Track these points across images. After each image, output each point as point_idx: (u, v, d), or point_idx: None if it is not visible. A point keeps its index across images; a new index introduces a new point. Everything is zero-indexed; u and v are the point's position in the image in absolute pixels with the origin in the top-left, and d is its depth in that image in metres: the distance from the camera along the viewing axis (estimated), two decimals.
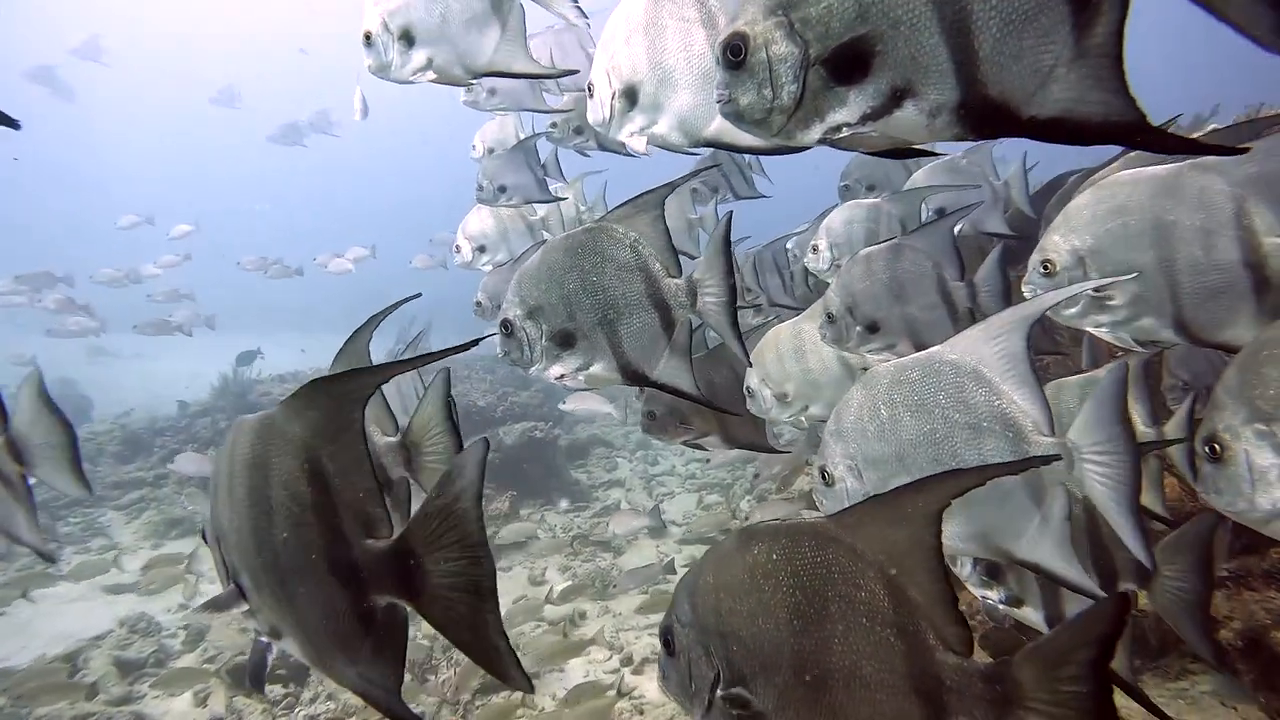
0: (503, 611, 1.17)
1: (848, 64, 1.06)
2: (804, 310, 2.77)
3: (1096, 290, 1.85)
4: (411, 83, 2.21)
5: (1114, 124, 1.00)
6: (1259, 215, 1.66)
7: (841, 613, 1.08)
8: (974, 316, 2.44)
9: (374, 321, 1.81)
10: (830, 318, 2.54)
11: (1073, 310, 1.91)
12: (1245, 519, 1.36)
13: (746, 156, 4.00)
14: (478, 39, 2.18)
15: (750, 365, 2.64)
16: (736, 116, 1.15)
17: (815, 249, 3.20)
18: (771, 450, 3.02)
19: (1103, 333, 1.90)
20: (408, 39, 2.14)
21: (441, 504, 1.13)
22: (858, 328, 2.50)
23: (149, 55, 41.36)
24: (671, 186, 1.98)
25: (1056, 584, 1.57)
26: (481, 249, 3.96)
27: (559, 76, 2.49)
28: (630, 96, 1.91)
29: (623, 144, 1.98)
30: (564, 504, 8.21)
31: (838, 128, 1.10)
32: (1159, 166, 1.78)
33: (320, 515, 1.15)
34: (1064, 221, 1.91)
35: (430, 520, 1.13)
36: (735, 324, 2.00)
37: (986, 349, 1.52)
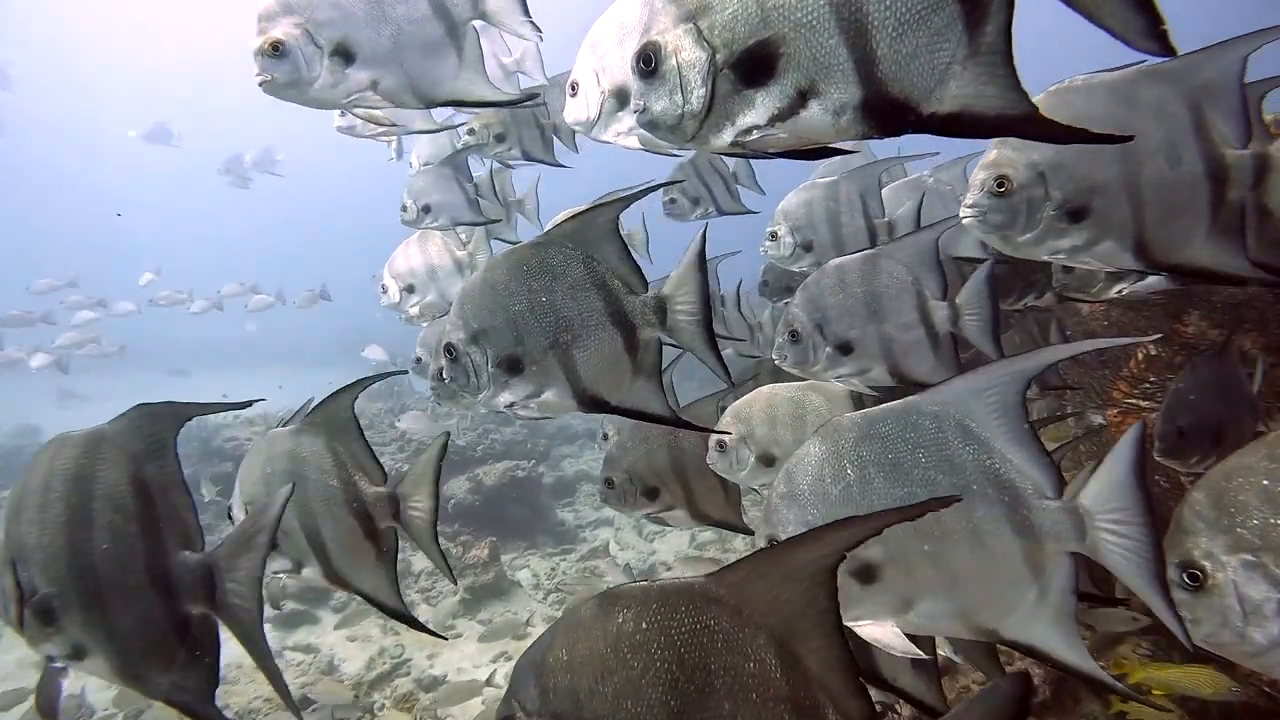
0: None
1: (753, 67, 1.11)
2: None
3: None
4: (343, 107, 2.06)
5: (1008, 117, 1.05)
6: (1215, 126, 1.58)
7: (727, 688, 0.94)
8: (955, 343, 2.30)
9: (361, 385, 2.05)
10: (794, 336, 2.30)
11: (1028, 236, 1.74)
12: (1229, 652, 1.30)
13: (732, 168, 3.83)
14: (434, 65, 2.05)
15: (727, 406, 2.47)
16: (651, 124, 1.20)
17: (774, 236, 2.97)
18: (744, 530, 2.67)
19: (1060, 259, 1.77)
20: (344, 56, 1.94)
21: (247, 532, 1.35)
22: (827, 348, 2.28)
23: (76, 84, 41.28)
24: (626, 201, 1.86)
25: (1056, 670, 1.43)
26: (410, 289, 3.66)
27: (525, 104, 2.43)
28: (621, 97, 1.88)
29: (574, 149, 2.01)
30: (548, 547, 7.97)
31: (748, 130, 1.15)
32: (1108, 73, 1.64)
33: (143, 526, 1.28)
34: None
35: (237, 544, 1.35)
36: (713, 342, 1.86)
37: (975, 402, 1.37)
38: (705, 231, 1.90)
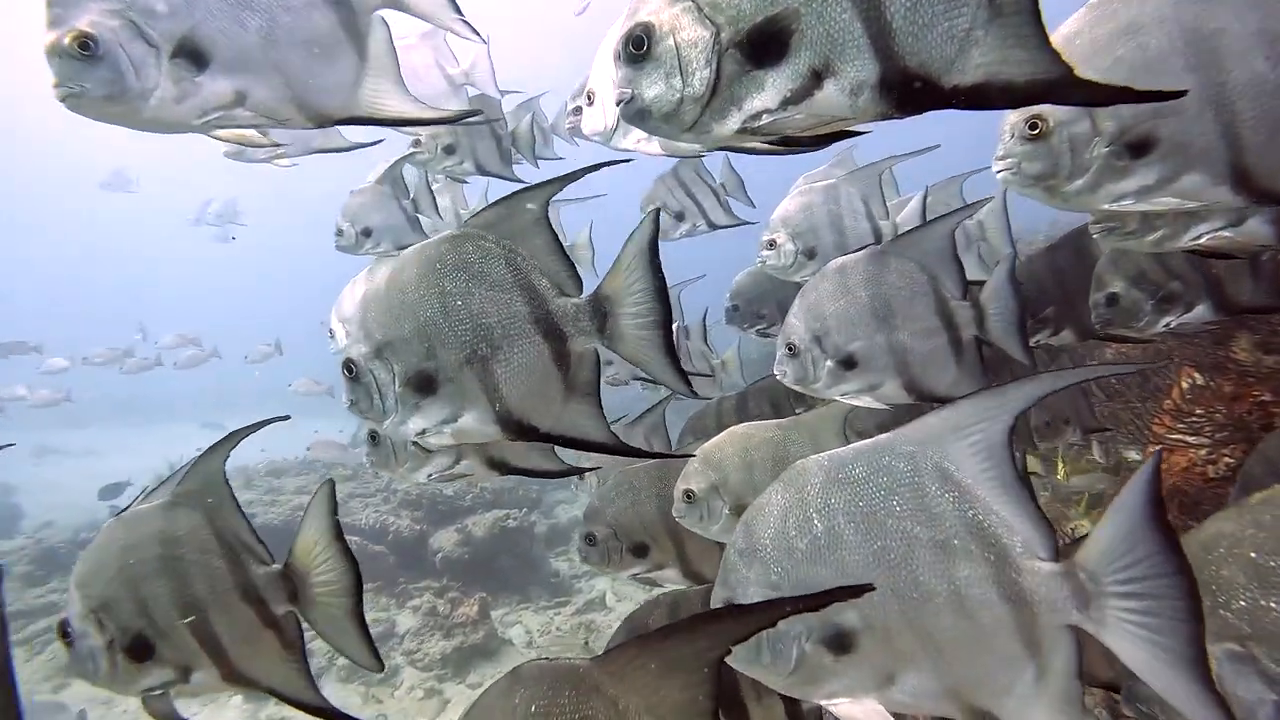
0: None
1: (763, 45, 1.04)
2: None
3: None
4: (199, 130, 1.54)
5: (1041, 81, 0.99)
6: None
7: None
8: (980, 349, 2.04)
9: (232, 441, 1.72)
10: (791, 349, 2.05)
11: (1079, 183, 1.47)
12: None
13: (719, 179, 3.53)
14: (325, 69, 1.56)
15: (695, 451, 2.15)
16: (640, 115, 1.12)
17: (773, 244, 2.78)
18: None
19: (1127, 204, 1.48)
20: (194, 58, 1.42)
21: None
22: (828, 362, 2.01)
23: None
24: (561, 181, 1.59)
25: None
26: (367, 232, 3.22)
27: (457, 121, 2.16)
28: None
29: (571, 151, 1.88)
30: (542, 601, 7.59)
31: (758, 115, 1.07)
32: None
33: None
34: None
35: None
36: (671, 351, 1.60)
37: (955, 442, 1.19)
38: (657, 215, 1.62)
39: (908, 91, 1.03)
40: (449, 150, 3.05)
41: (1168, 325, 2.16)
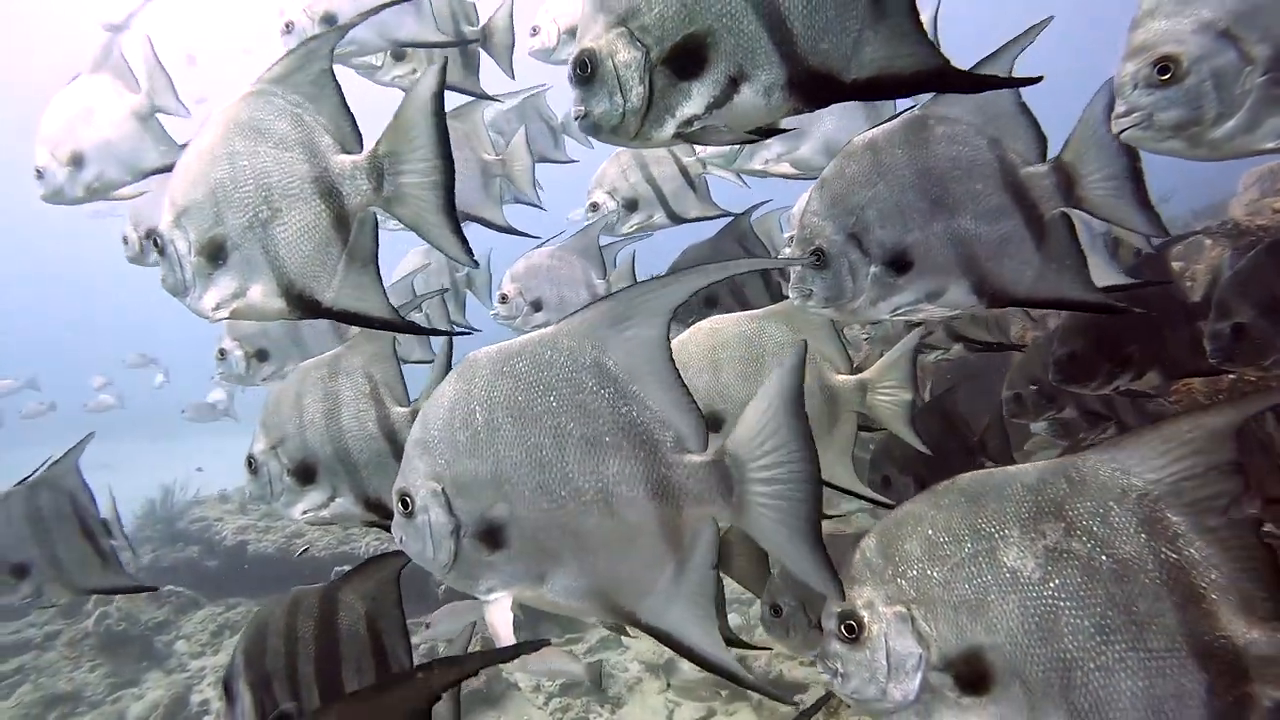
0: None
1: (685, 60, 1.24)
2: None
3: None
4: None
5: (924, 72, 1.20)
6: None
7: None
8: (1071, 227, 1.61)
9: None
10: (820, 256, 1.63)
11: (1232, 124, 1.32)
12: (870, 709, 1.22)
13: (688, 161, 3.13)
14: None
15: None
16: (594, 127, 1.31)
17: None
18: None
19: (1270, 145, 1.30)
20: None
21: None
22: (872, 268, 1.62)
23: None
24: (340, 30, 1.59)
25: (690, 661, 1.23)
26: (262, 355, 2.86)
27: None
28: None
29: None
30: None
31: (688, 120, 1.28)
32: None
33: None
34: None
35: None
36: (452, 215, 1.54)
37: (613, 335, 1.22)
38: (444, 66, 1.54)
39: (813, 88, 1.23)
40: (398, 58, 2.82)
41: None
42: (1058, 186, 1.56)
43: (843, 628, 1.19)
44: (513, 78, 3.18)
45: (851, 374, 2.02)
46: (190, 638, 6.97)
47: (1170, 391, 2.84)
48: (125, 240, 2.96)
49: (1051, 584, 1.08)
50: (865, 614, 1.18)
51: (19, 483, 2.64)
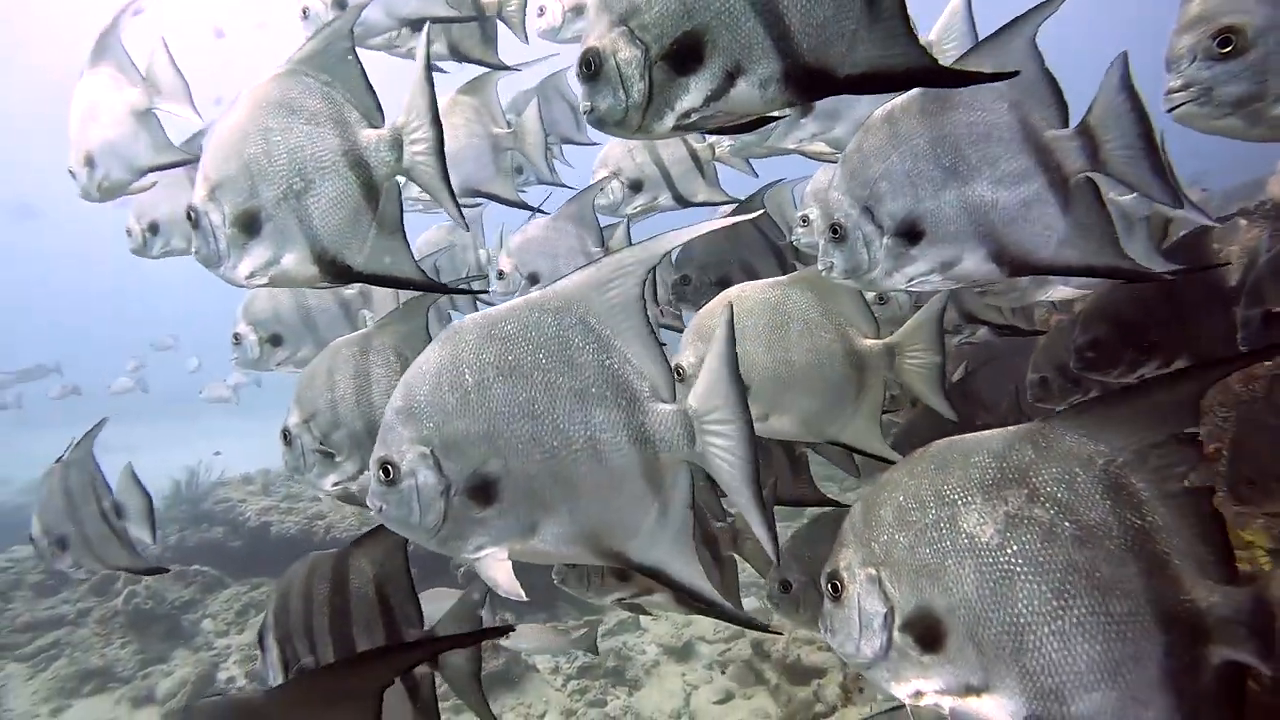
0: None
1: (684, 56, 1.29)
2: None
3: None
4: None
5: (914, 70, 1.25)
6: None
7: None
8: (1096, 191, 1.56)
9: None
10: (836, 232, 1.65)
11: (1238, 88, 1.27)
12: (854, 664, 1.30)
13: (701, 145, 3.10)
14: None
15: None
16: (599, 122, 1.37)
17: (806, 220, 2.66)
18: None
19: None
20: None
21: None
22: (885, 239, 1.61)
23: None
24: (356, 10, 1.72)
25: (676, 594, 1.36)
26: (275, 340, 2.91)
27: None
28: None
29: None
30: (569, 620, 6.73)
31: (687, 113, 1.33)
32: None
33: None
34: None
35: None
36: (447, 180, 1.68)
37: (596, 296, 1.34)
38: (429, 34, 1.68)
39: (808, 82, 1.28)
40: (415, 27, 2.81)
41: None
42: (1083, 150, 1.52)
43: (829, 587, 1.29)
44: (527, 43, 3.21)
45: (878, 339, 2.02)
46: (216, 616, 7.12)
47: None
48: (129, 233, 2.99)
49: (1009, 549, 1.12)
50: (845, 575, 1.26)
51: (56, 461, 2.78)
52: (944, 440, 1.25)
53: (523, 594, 1.36)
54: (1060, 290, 2.33)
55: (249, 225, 1.64)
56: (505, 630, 1.57)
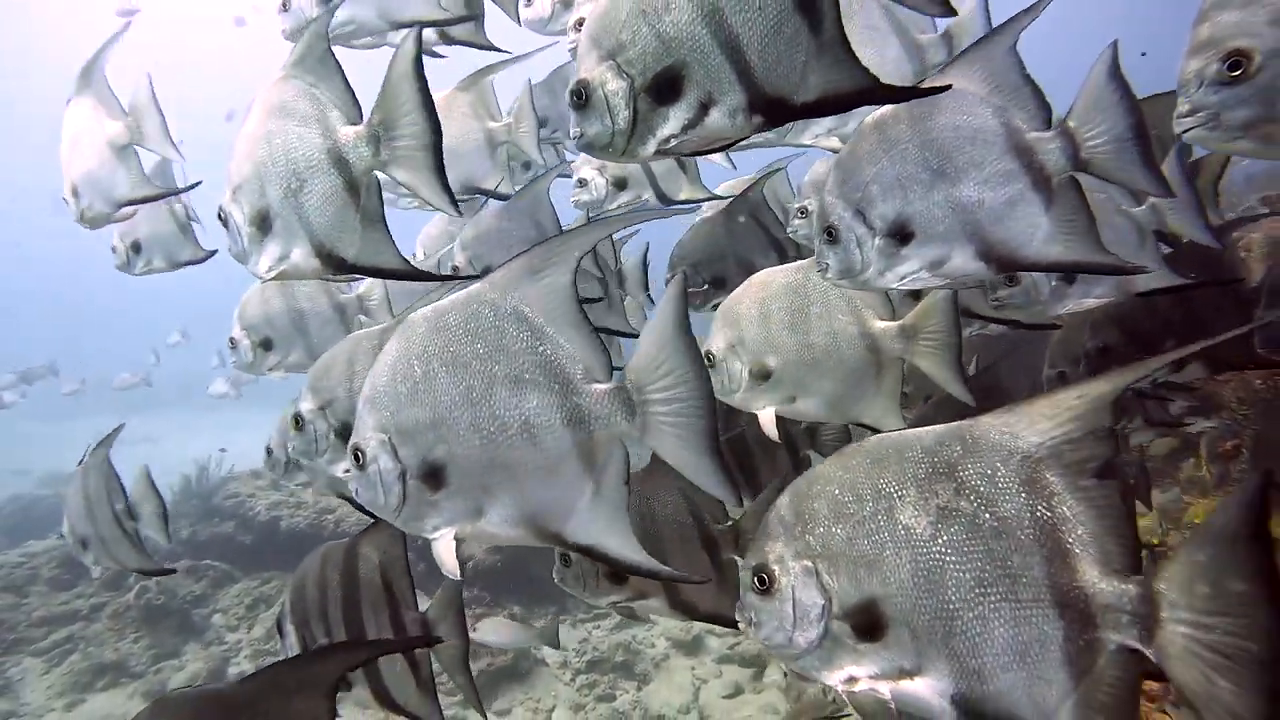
0: None
1: (664, 88, 1.48)
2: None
3: None
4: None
5: (860, 91, 1.44)
6: None
7: None
8: (1080, 189, 1.65)
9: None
10: (830, 234, 1.74)
11: (1246, 112, 1.27)
12: (781, 654, 1.33)
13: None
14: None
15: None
16: (589, 146, 1.56)
17: (804, 212, 2.73)
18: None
19: None
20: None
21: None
22: (877, 240, 1.70)
23: None
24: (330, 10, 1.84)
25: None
26: (266, 344, 2.97)
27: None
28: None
29: None
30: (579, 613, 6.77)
31: (667, 139, 1.52)
32: None
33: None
34: None
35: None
36: (440, 171, 1.74)
37: (529, 285, 1.42)
38: (420, 30, 1.72)
39: (770, 111, 1.48)
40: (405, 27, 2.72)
41: None
42: (1064, 150, 1.60)
43: (756, 580, 1.32)
44: (519, 24, 3.26)
45: (893, 320, 2.09)
46: (226, 611, 7.24)
47: (1225, 382, 2.66)
48: (114, 250, 3.08)
49: (940, 540, 1.19)
50: (776, 568, 1.29)
51: (78, 464, 2.98)
52: (875, 437, 1.32)
53: (459, 573, 1.48)
54: (1084, 304, 2.34)
55: (262, 223, 1.80)
56: (433, 640, 1.93)
